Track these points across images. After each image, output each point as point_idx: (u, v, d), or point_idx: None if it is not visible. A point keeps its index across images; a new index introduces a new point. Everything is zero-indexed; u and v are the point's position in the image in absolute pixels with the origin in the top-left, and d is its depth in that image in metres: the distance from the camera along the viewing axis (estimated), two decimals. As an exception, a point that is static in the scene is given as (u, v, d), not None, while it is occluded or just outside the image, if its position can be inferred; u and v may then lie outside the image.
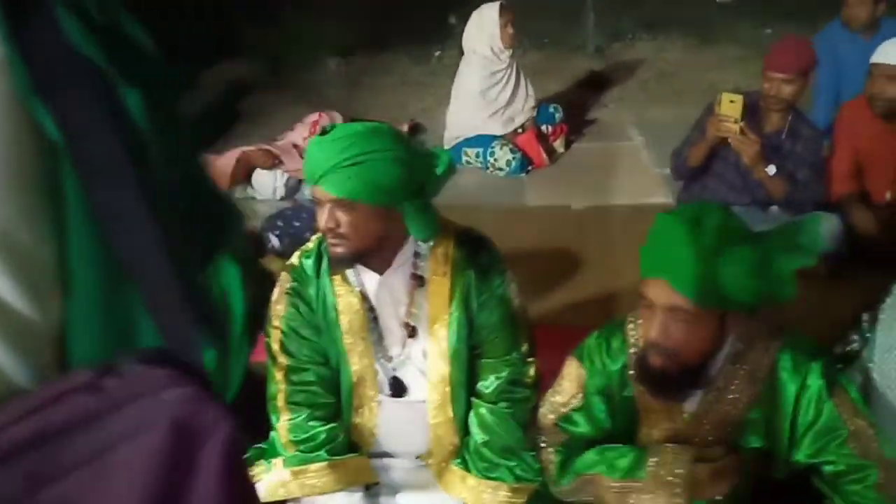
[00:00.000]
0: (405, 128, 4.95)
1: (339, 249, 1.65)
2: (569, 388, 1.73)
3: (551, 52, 7.23)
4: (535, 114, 4.68)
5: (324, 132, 1.64)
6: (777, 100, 3.18)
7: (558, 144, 4.73)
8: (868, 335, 1.82)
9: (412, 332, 1.84)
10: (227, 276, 1.92)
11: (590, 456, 1.64)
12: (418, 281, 1.81)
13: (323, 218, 1.62)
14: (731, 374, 1.56)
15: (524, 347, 1.87)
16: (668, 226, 1.46)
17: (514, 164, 4.43)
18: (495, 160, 4.46)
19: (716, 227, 1.44)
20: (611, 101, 5.78)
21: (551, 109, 4.78)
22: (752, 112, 3.25)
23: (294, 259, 1.87)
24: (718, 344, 1.53)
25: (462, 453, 1.81)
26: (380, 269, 1.78)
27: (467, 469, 1.78)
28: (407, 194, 1.65)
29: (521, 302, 1.90)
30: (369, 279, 1.81)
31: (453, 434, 1.85)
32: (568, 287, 3.26)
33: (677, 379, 1.49)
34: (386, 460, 1.89)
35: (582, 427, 1.71)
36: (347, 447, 1.82)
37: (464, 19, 4.65)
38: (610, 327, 1.71)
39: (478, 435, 1.80)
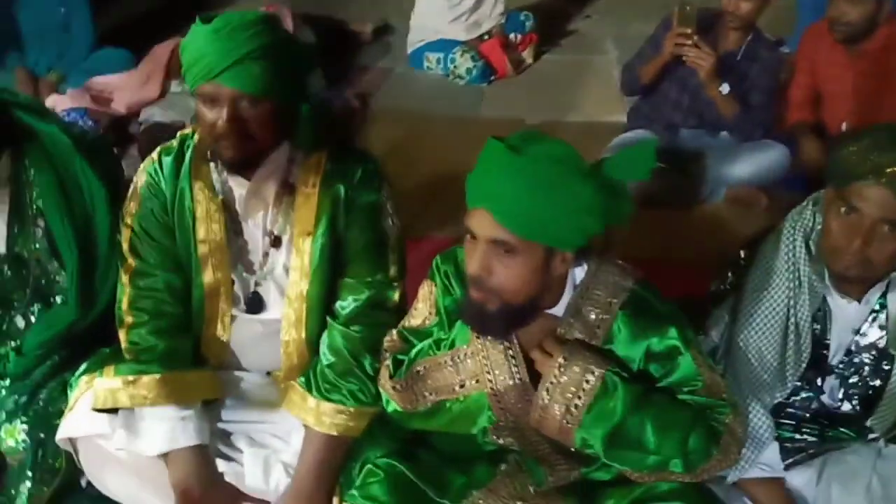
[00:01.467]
0: (368, 28, 4.75)
1: (234, 153, 1.57)
2: (422, 308, 1.64)
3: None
4: (503, 21, 4.46)
5: (207, 20, 1.53)
6: (734, 16, 3.01)
7: (527, 54, 4.51)
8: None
9: (275, 242, 1.75)
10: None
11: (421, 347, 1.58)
12: (288, 189, 1.71)
13: (224, 116, 1.51)
14: (568, 326, 1.45)
15: (392, 270, 1.76)
16: (494, 152, 1.33)
17: (475, 72, 4.24)
18: (455, 67, 4.27)
19: (544, 157, 1.31)
20: (595, 13, 5.49)
21: (522, 17, 4.54)
22: (710, 29, 3.08)
23: (154, 154, 1.76)
24: (550, 287, 1.43)
25: (308, 373, 1.74)
26: (248, 175, 1.68)
27: (309, 389, 1.71)
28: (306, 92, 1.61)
29: (397, 222, 1.79)
30: (237, 186, 1.71)
31: (305, 353, 1.77)
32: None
33: (498, 318, 1.39)
34: (236, 373, 1.83)
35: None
36: (191, 361, 1.75)
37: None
38: (456, 248, 1.60)
39: (324, 356, 1.72)
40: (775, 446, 1.66)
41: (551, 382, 1.39)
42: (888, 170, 1.40)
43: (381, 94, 4.25)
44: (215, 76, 1.49)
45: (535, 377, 1.45)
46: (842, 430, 1.70)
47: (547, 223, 1.32)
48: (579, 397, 1.38)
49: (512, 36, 4.48)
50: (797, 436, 1.72)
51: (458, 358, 1.50)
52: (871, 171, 1.41)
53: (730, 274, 1.77)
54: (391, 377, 1.59)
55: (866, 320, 1.61)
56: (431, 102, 4.11)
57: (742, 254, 1.75)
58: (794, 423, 1.72)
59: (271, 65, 1.50)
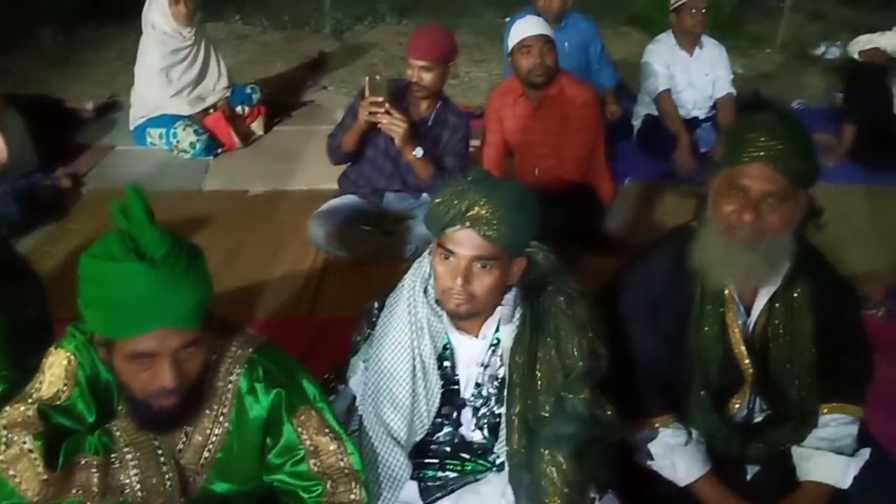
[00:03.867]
0: (89, 106, 4.63)
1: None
2: (56, 379, 1.54)
3: (293, 31, 7.09)
4: (228, 94, 4.51)
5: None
6: (419, 87, 3.21)
7: (256, 126, 4.59)
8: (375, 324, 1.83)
9: None
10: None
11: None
12: None
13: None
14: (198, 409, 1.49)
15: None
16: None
17: (198, 146, 4.24)
18: (178, 142, 4.25)
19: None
20: (332, 84, 5.71)
21: (248, 90, 4.63)
22: (402, 98, 3.28)
23: None
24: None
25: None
26: None
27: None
28: None
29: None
30: None
31: None
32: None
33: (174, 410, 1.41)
34: None
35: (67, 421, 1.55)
36: None
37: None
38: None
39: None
40: (413, 485, 1.76)
41: None
42: (469, 213, 1.57)
43: (101, 171, 4.15)
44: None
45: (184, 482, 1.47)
46: (479, 461, 1.83)
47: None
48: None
49: (239, 108, 4.53)
50: (440, 473, 1.82)
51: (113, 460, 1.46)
52: (456, 217, 1.58)
53: (365, 324, 1.88)
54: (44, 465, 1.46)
55: (487, 353, 1.76)
56: (154, 179, 4.05)
57: (376, 304, 1.88)
58: (437, 460, 1.83)
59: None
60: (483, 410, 1.80)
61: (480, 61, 6.33)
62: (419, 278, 1.76)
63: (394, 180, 3.38)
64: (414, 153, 3.22)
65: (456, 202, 1.58)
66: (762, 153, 1.61)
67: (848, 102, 4.39)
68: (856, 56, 4.24)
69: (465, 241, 1.59)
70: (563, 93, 3.42)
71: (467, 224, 1.57)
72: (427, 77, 3.17)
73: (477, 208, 1.56)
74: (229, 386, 1.51)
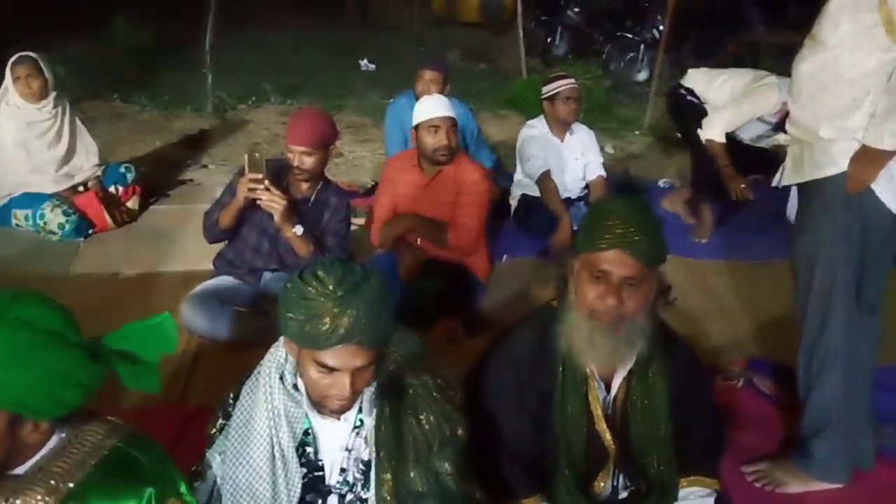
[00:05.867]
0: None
1: None
2: None
3: (173, 111, 7.01)
4: (100, 173, 4.38)
5: None
6: (301, 170, 3.22)
7: (131, 205, 4.46)
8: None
9: None
10: None
11: None
12: None
13: None
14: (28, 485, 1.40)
15: None
16: None
17: (68, 227, 4.07)
18: (45, 223, 4.07)
19: (24, 324, 1.28)
20: (212, 162, 5.66)
21: (122, 169, 4.50)
22: (283, 177, 3.28)
23: None
24: (19, 453, 1.37)
25: None
26: None
27: None
28: None
29: None
30: None
31: None
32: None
33: None
34: None
35: None
36: None
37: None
38: None
39: None
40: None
41: None
42: (344, 332, 1.51)
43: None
44: None
45: None
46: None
47: (18, 392, 1.27)
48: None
49: (112, 188, 4.41)
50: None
51: None
52: (333, 338, 1.52)
53: (220, 414, 1.83)
54: None
55: (351, 436, 1.74)
56: (18, 262, 3.86)
57: (231, 393, 1.83)
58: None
59: None
60: (349, 497, 1.77)
61: (365, 140, 6.44)
62: (275, 364, 1.74)
63: (271, 260, 3.34)
64: (294, 230, 3.21)
65: (327, 320, 1.52)
66: (619, 240, 1.69)
67: (695, 177, 4.64)
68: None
69: (346, 356, 1.55)
70: (458, 169, 3.55)
71: (347, 342, 1.53)
72: (308, 161, 3.20)
73: (350, 321, 1.51)
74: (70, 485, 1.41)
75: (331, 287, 1.53)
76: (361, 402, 1.72)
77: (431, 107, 3.55)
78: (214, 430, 1.82)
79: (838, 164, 2.14)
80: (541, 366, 1.84)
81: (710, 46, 9.08)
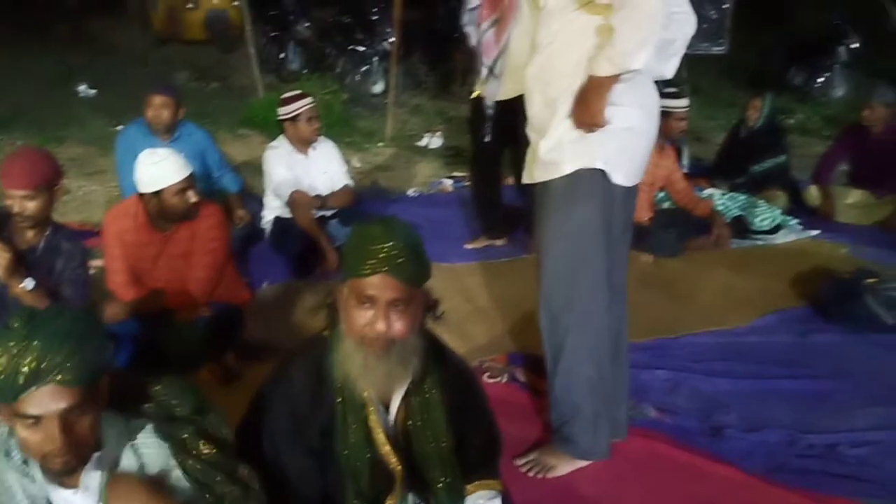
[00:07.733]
0: None
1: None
2: None
3: None
4: None
5: None
6: (23, 217, 2.92)
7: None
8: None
9: None
10: None
11: None
12: None
13: None
14: None
15: None
16: None
17: None
18: None
19: None
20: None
21: None
22: (4, 227, 2.95)
23: None
24: None
25: None
26: None
27: None
28: None
29: None
30: None
31: None
32: None
33: None
34: None
35: None
36: None
37: None
38: None
39: None
40: None
41: None
42: (40, 371, 1.42)
43: None
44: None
45: None
46: None
47: None
48: None
49: None
50: None
51: None
52: (28, 381, 1.42)
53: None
54: None
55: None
56: None
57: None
58: None
59: None
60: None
61: (94, 173, 5.99)
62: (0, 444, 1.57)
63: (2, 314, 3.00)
64: (22, 285, 2.90)
65: (19, 362, 1.40)
66: (383, 264, 1.71)
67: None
68: None
69: (46, 398, 1.43)
70: (199, 225, 3.31)
71: (43, 383, 1.42)
72: (31, 206, 2.90)
73: (45, 362, 1.41)
74: None
75: (16, 325, 1.44)
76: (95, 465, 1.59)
77: (166, 168, 3.17)
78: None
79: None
80: (317, 399, 1.81)
81: (436, 57, 9.53)
